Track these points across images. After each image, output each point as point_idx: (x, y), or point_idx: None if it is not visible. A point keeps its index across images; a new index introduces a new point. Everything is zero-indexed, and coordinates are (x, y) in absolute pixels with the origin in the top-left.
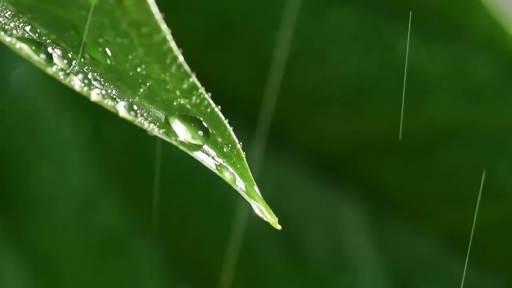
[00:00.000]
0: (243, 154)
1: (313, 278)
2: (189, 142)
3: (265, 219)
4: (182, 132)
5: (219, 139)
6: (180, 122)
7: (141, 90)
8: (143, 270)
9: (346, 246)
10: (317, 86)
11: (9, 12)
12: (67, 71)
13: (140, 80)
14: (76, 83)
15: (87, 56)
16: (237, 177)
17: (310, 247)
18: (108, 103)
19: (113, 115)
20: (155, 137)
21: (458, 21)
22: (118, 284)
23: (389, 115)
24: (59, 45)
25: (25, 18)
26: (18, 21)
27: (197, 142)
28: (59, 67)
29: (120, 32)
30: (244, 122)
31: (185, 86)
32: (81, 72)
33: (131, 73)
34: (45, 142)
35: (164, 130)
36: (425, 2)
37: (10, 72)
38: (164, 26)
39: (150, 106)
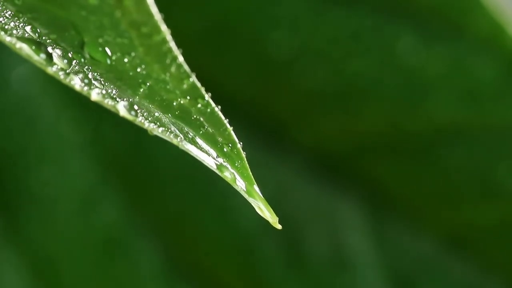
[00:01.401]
0: (243, 154)
1: (313, 278)
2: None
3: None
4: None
5: (220, 139)
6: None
7: (141, 90)
8: (143, 270)
9: (346, 246)
10: (317, 86)
11: (9, 12)
12: (67, 71)
13: (140, 80)
14: (76, 82)
15: (87, 56)
16: (237, 177)
17: (310, 247)
18: (108, 102)
19: (113, 115)
20: (155, 137)
21: (458, 21)
22: (118, 284)
23: (389, 115)
24: (59, 45)
25: (25, 18)
26: (18, 21)
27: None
28: (59, 67)
29: (120, 32)
30: (244, 122)
31: (185, 86)
32: (81, 72)
33: (131, 73)
34: (45, 142)
35: (163, 129)
36: (425, 2)
37: (10, 72)
38: (164, 27)
39: (150, 105)
